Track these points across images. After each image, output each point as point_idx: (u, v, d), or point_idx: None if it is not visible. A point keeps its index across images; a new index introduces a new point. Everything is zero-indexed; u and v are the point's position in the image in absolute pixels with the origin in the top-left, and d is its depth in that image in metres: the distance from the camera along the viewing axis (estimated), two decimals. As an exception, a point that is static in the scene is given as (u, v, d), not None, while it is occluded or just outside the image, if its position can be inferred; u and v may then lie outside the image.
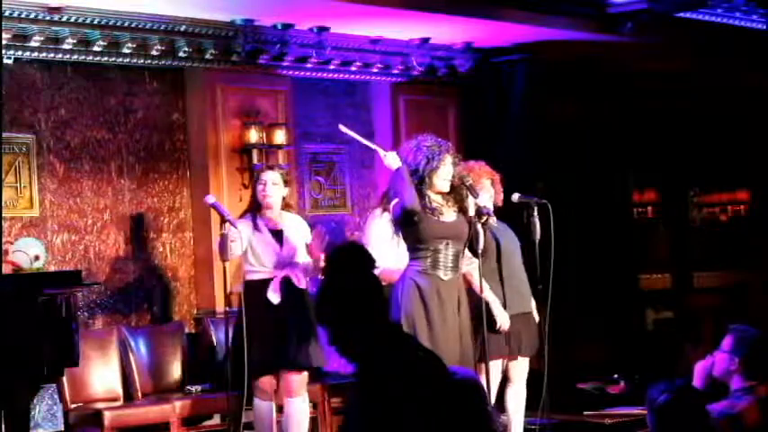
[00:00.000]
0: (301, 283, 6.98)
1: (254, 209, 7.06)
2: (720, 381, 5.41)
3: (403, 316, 6.41)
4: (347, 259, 3.96)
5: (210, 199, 6.99)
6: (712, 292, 11.04)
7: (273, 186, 7.05)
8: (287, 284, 6.94)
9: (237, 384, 7.71)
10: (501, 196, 7.33)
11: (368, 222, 7.60)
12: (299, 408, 7.06)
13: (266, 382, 6.95)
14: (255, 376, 6.88)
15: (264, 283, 6.91)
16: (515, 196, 7.34)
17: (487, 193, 7.20)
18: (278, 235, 6.99)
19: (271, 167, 7.33)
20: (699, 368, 5.48)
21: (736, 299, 10.76)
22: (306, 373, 7.07)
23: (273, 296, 6.89)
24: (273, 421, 7.00)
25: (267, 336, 6.84)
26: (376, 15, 8.50)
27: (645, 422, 4.37)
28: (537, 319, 7.32)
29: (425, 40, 9.46)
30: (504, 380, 7.27)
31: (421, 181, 6.54)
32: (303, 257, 7.02)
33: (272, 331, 6.85)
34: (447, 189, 6.61)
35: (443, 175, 6.58)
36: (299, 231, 7.09)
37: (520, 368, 7.26)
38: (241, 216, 7.07)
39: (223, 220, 6.79)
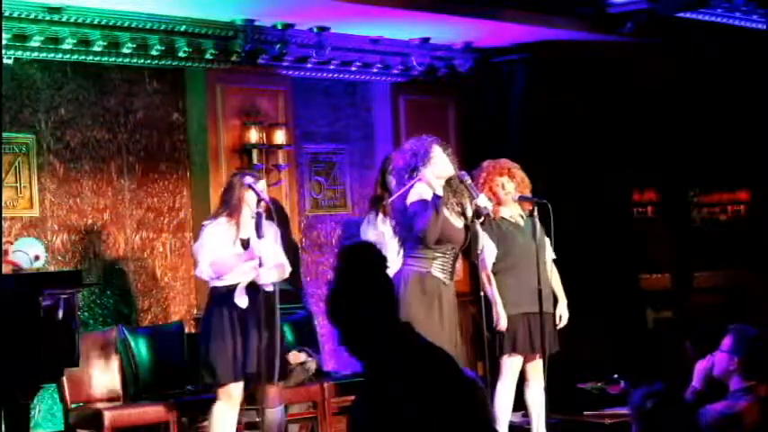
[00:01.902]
0: (268, 285, 6.89)
1: (228, 213, 6.95)
2: (720, 380, 5.41)
3: (403, 317, 6.38)
4: (359, 259, 3.93)
5: (248, 180, 6.95)
6: (712, 292, 11.02)
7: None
8: (253, 289, 6.88)
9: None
10: (518, 195, 7.35)
11: (362, 228, 7.60)
12: (279, 416, 7.08)
13: (235, 388, 6.89)
14: (224, 382, 6.86)
15: (230, 290, 6.85)
16: (516, 196, 7.36)
17: (503, 190, 7.25)
18: (246, 243, 6.91)
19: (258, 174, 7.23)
20: (699, 368, 5.49)
21: (736, 299, 10.74)
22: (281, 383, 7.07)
23: (241, 300, 6.85)
24: (233, 429, 6.96)
25: (232, 343, 6.82)
26: (376, 15, 8.50)
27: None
28: (564, 319, 7.35)
29: (425, 40, 9.46)
30: (522, 379, 7.32)
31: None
32: (272, 261, 6.93)
33: (241, 339, 6.83)
34: (449, 173, 6.61)
35: (439, 161, 6.60)
36: (268, 238, 6.93)
37: (535, 368, 7.29)
38: (209, 219, 7.06)
39: (259, 200, 6.82)
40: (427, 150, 6.61)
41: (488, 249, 7.14)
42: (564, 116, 10.00)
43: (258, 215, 6.80)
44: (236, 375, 6.83)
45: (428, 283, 6.52)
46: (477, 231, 6.66)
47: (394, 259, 6.80)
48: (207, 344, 6.88)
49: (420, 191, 6.59)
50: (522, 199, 7.36)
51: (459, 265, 6.86)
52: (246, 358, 6.81)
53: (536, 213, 7.21)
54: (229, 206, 6.93)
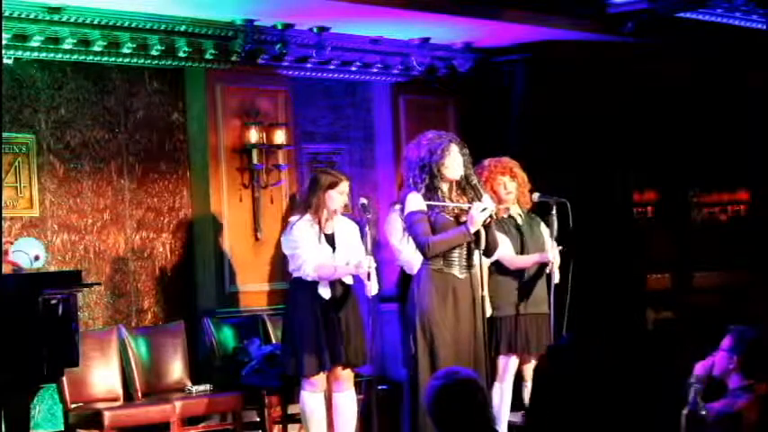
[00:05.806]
0: (349, 279, 7.15)
1: (312, 212, 7.15)
2: (720, 380, 5.42)
3: (418, 313, 6.47)
4: (460, 399, 3.98)
5: (363, 200, 7.22)
6: (712, 292, 11.02)
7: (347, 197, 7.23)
8: (336, 281, 7.12)
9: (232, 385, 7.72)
10: (525, 198, 7.36)
11: (389, 221, 7.56)
12: (349, 402, 7.20)
13: (320, 377, 7.11)
14: (309, 374, 7.04)
15: (314, 282, 7.07)
16: (535, 195, 7.40)
17: (505, 190, 7.25)
18: (330, 238, 7.13)
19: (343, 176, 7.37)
20: (699, 368, 5.49)
21: (736, 299, 10.74)
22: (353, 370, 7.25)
23: (325, 291, 7.05)
24: (324, 413, 7.15)
25: (318, 333, 7.01)
26: (376, 15, 8.50)
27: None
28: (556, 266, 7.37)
29: (425, 40, 9.46)
30: (521, 380, 7.33)
31: (431, 175, 6.56)
32: (354, 258, 7.11)
33: (323, 328, 7.03)
34: (459, 176, 6.61)
35: (452, 164, 6.59)
36: (350, 234, 7.20)
37: (532, 368, 7.30)
38: (295, 215, 7.25)
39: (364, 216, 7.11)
40: (444, 151, 6.60)
41: (505, 242, 7.17)
42: (564, 116, 9.99)
43: (364, 233, 7.07)
44: (321, 366, 7.04)
45: (441, 279, 6.55)
46: (479, 232, 6.64)
47: (411, 253, 6.82)
48: (292, 335, 7.11)
49: (415, 201, 6.61)
50: (541, 198, 7.38)
51: (478, 255, 6.78)
52: (330, 347, 7.02)
53: (554, 212, 7.24)
54: (312, 206, 7.15)
